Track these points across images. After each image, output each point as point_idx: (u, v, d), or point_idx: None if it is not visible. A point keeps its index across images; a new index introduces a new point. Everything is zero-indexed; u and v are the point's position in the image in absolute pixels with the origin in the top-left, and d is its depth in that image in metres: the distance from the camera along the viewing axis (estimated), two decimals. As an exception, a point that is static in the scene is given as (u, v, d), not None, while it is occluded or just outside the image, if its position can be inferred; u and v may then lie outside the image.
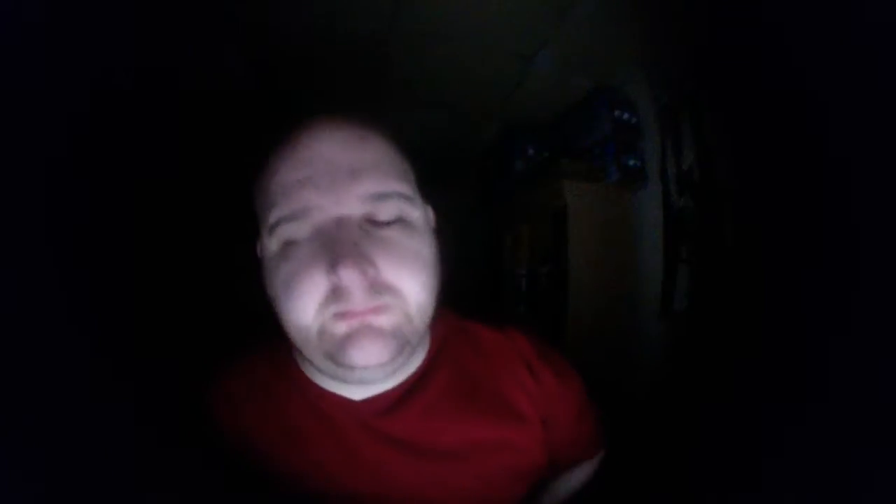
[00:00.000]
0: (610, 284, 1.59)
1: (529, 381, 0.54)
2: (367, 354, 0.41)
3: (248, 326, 0.59)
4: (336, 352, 0.42)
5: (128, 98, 1.02)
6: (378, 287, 0.41)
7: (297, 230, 0.43)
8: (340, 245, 0.41)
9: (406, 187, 0.46)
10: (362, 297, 0.41)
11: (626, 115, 1.58)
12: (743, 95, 1.02)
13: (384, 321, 0.42)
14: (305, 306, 0.41)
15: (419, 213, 0.47)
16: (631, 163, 1.57)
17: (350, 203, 0.43)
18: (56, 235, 0.51)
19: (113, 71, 0.73)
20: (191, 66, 1.41)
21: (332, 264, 0.40)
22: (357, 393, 0.48)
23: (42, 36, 0.46)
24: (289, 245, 0.43)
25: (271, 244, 0.44)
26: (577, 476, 0.63)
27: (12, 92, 0.42)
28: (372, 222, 0.44)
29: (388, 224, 0.44)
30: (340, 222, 0.42)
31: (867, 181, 0.47)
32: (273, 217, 0.43)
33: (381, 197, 0.44)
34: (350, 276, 0.39)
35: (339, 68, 1.58)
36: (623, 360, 1.54)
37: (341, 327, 0.41)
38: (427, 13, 1.33)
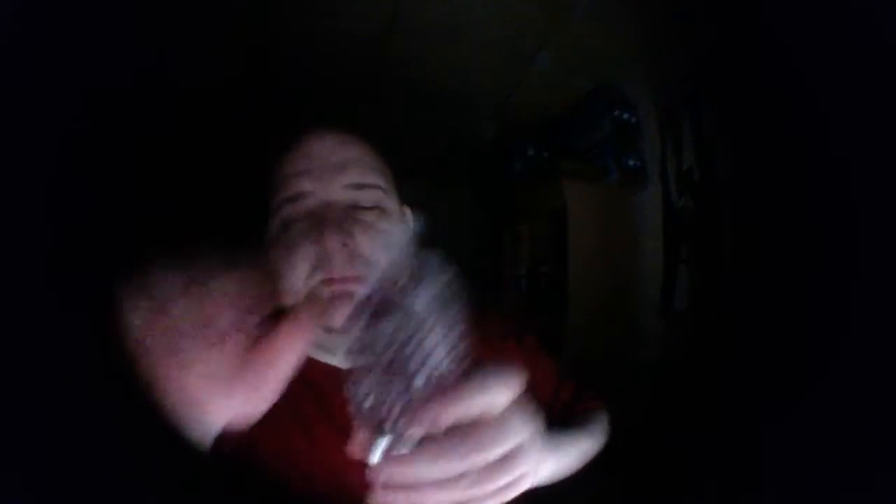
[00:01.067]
0: (610, 284, 1.59)
1: (504, 346, 0.62)
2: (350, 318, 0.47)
3: None
4: (323, 314, 0.48)
5: (127, 98, 1.02)
6: (355, 258, 0.50)
7: (294, 212, 0.52)
8: (326, 221, 0.50)
9: (383, 182, 0.56)
10: (342, 265, 0.49)
11: (626, 115, 1.57)
12: (743, 95, 1.02)
13: (362, 290, 0.47)
14: (297, 272, 0.50)
15: (395, 205, 0.57)
16: (631, 163, 1.57)
17: (336, 190, 0.53)
18: (55, 235, 0.51)
19: (112, 71, 0.73)
20: (191, 66, 1.41)
21: (319, 235, 0.49)
22: (343, 363, 0.53)
23: (41, 36, 0.46)
24: (287, 224, 0.52)
25: (274, 224, 0.53)
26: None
27: (11, 92, 0.42)
28: (354, 208, 0.53)
29: (368, 209, 0.54)
30: (328, 205, 0.52)
31: (867, 181, 0.47)
32: (276, 201, 0.53)
33: (362, 186, 0.54)
34: (332, 244, 0.48)
35: (339, 68, 1.58)
36: (623, 360, 1.54)
37: (328, 290, 0.49)
38: (426, 13, 1.33)
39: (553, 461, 0.46)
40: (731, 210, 1.19)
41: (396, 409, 0.31)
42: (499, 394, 0.32)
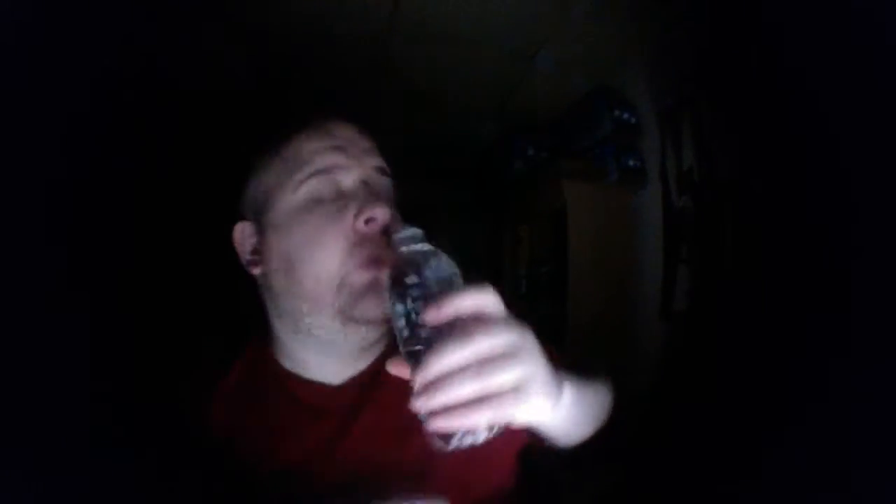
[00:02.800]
0: (610, 284, 1.59)
1: None
2: (382, 309, 0.45)
3: (233, 327, 0.60)
4: (352, 303, 0.46)
5: (127, 98, 1.02)
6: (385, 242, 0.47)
7: (323, 188, 0.49)
8: (372, 196, 0.48)
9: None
10: (379, 247, 0.46)
11: (626, 115, 1.57)
12: (743, 96, 1.02)
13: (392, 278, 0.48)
14: (332, 254, 0.46)
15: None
16: (631, 163, 1.57)
17: (370, 170, 0.51)
18: (54, 236, 0.51)
19: (112, 71, 0.73)
20: (191, 66, 1.41)
21: (364, 207, 0.47)
22: (336, 376, 0.52)
23: (42, 36, 0.46)
24: (314, 203, 0.49)
25: (295, 200, 0.49)
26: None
27: (12, 92, 0.42)
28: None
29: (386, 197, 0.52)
30: (367, 183, 0.50)
31: (867, 180, 0.47)
32: (303, 174, 0.49)
33: (385, 173, 0.53)
34: (384, 213, 0.46)
35: (339, 68, 1.58)
36: (623, 360, 1.54)
37: (363, 277, 0.46)
38: (426, 13, 1.33)
39: (563, 398, 0.43)
40: (731, 210, 1.19)
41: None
42: (482, 298, 0.36)
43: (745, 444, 0.61)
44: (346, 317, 0.47)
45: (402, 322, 0.38)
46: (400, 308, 0.38)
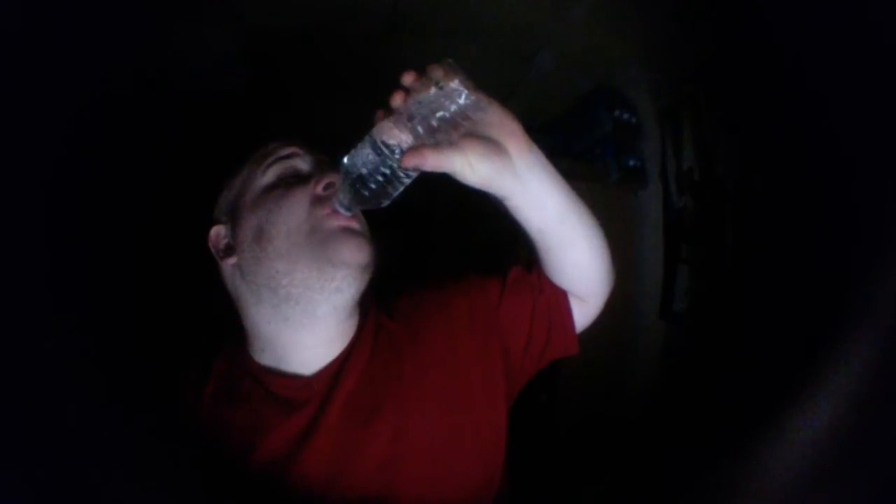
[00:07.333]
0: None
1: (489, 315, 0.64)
2: (356, 251, 0.51)
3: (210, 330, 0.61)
4: (326, 245, 0.51)
5: (125, 99, 1.02)
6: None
7: (286, 169, 0.57)
8: (323, 168, 0.57)
9: None
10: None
11: (626, 115, 1.57)
12: (743, 95, 1.02)
13: (359, 227, 0.54)
14: (298, 207, 0.52)
15: None
16: (631, 163, 1.57)
17: (321, 157, 0.59)
18: (53, 236, 0.51)
19: (110, 71, 0.73)
20: (190, 66, 1.41)
21: (322, 176, 0.54)
22: (309, 365, 0.55)
23: (40, 37, 0.46)
24: (279, 179, 0.56)
25: (263, 181, 0.56)
26: None
27: (7, 93, 0.42)
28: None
29: None
30: (319, 164, 0.58)
31: (868, 180, 0.47)
32: (269, 161, 0.57)
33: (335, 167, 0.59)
34: (334, 179, 0.52)
35: (338, 68, 1.58)
36: (623, 360, 1.53)
37: (333, 222, 0.51)
38: (426, 13, 1.33)
39: (537, 153, 0.56)
40: (731, 210, 1.19)
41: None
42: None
43: (745, 445, 0.61)
44: (323, 260, 0.50)
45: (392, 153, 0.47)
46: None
